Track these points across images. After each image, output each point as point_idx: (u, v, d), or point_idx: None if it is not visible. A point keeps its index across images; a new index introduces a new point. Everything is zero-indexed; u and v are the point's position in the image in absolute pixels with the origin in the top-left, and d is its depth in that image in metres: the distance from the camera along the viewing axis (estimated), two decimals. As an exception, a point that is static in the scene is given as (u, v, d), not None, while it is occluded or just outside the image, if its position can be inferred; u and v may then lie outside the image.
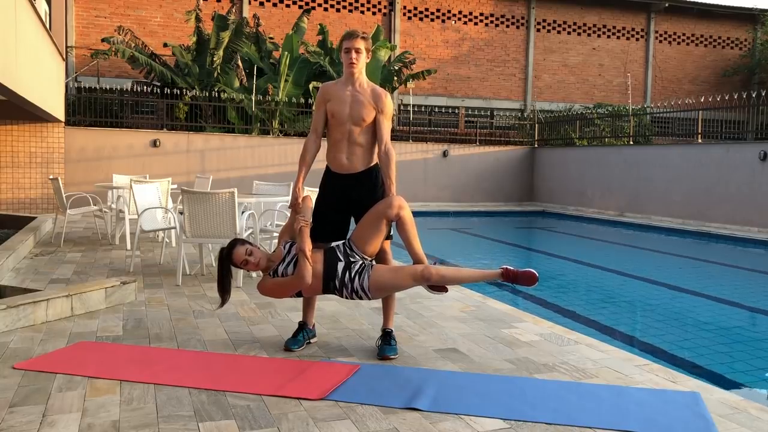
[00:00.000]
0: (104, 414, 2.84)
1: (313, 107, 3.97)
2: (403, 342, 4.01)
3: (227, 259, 3.69)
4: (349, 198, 3.84)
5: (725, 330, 5.69)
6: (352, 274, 3.60)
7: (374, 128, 3.79)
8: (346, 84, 3.82)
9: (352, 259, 3.65)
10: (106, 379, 3.27)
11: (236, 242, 3.73)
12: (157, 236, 8.41)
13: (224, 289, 3.68)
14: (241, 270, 3.94)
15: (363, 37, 3.76)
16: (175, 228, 6.85)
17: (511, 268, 3.62)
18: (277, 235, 6.48)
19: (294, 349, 3.79)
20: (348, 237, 3.77)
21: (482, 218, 15.42)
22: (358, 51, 3.73)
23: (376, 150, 3.83)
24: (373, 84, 3.87)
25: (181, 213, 5.83)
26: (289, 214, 4.01)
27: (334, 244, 3.83)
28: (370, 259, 3.70)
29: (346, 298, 3.68)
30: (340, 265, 3.63)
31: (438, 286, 3.67)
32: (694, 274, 8.93)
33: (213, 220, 5.63)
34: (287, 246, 3.74)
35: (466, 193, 16.56)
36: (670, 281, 7.92)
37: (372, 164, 3.86)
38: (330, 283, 3.64)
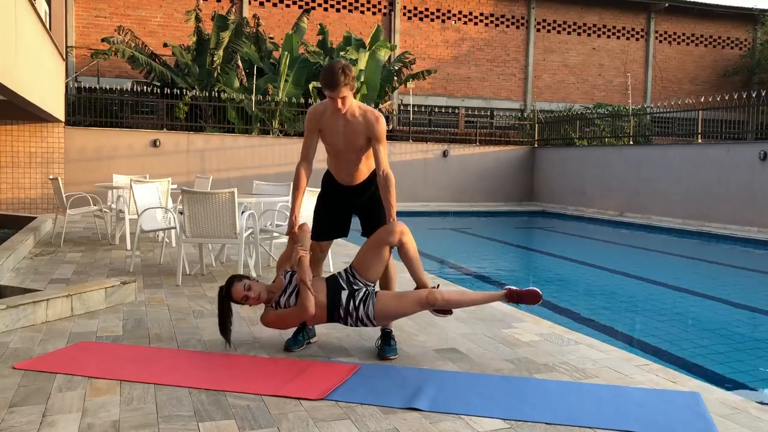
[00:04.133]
0: (104, 414, 2.84)
1: (304, 132, 3.83)
2: (403, 342, 4.01)
3: (227, 298, 3.69)
4: (351, 203, 3.90)
5: (725, 330, 5.69)
6: (357, 303, 3.60)
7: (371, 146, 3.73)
8: (336, 113, 3.65)
9: (355, 287, 3.64)
10: (106, 379, 3.26)
11: (234, 279, 3.71)
12: (157, 236, 8.41)
13: (225, 328, 3.70)
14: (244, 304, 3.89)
15: (346, 83, 3.50)
16: (175, 228, 6.85)
17: (515, 288, 3.66)
18: (277, 235, 6.49)
19: (294, 349, 3.79)
20: (350, 264, 3.77)
21: (482, 218, 15.42)
22: (343, 99, 3.55)
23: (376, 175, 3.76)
24: (364, 108, 3.71)
25: (181, 213, 5.83)
26: (288, 215, 4.00)
27: (336, 271, 3.83)
28: (372, 285, 3.70)
29: (351, 326, 3.68)
30: (344, 294, 3.62)
31: (443, 310, 3.69)
32: (694, 274, 8.93)
33: (213, 220, 5.63)
34: (287, 276, 3.72)
35: (466, 193, 16.56)
36: (670, 281, 7.92)
37: (371, 173, 3.86)
38: (334, 312, 3.63)
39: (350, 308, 3.60)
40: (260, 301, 3.69)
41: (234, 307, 3.78)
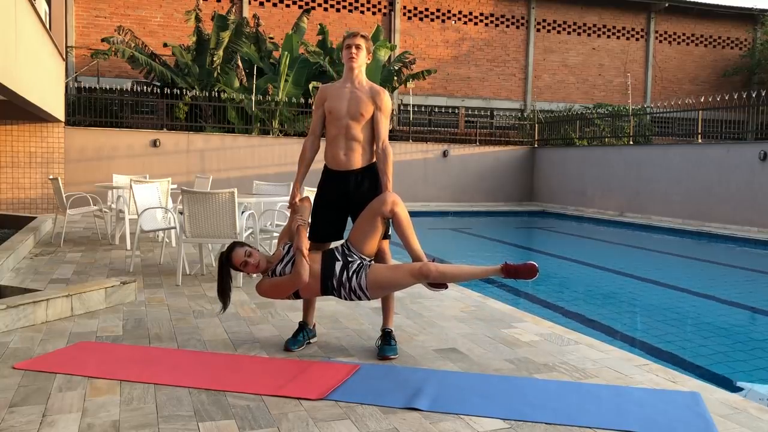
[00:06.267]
0: (104, 414, 2.84)
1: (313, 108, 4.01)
2: (403, 342, 4.01)
3: (227, 262, 3.69)
4: (347, 197, 3.82)
5: (725, 330, 5.69)
6: (350, 273, 3.58)
7: (372, 125, 3.80)
8: (345, 81, 3.89)
9: (350, 259, 3.63)
10: (106, 379, 3.26)
11: (235, 245, 3.71)
12: (157, 236, 8.41)
13: (224, 292, 3.67)
14: (241, 273, 3.92)
15: (363, 36, 3.88)
16: (175, 228, 6.85)
17: (511, 263, 3.59)
18: (278, 235, 6.49)
19: (294, 349, 3.79)
20: (346, 238, 3.76)
21: (482, 218, 15.41)
22: (358, 47, 3.85)
23: (374, 148, 3.82)
24: (371, 82, 3.93)
25: (181, 213, 5.83)
26: (288, 215, 4.01)
27: (333, 245, 3.81)
28: (368, 258, 3.68)
29: (345, 298, 3.65)
30: (338, 265, 3.61)
31: (437, 283, 3.64)
32: (693, 274, 8.93)
33: (213, 220, 5.63)
34: (286, 247, 3.73)
35: (466, 193, 16.56)
36: (670, 281, 7.92)
37: (371, 162, 3.85)
38: (328, 283, 3.61)
39: (343, 279, 3.58)
40: (259, 269, 3.68)
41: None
